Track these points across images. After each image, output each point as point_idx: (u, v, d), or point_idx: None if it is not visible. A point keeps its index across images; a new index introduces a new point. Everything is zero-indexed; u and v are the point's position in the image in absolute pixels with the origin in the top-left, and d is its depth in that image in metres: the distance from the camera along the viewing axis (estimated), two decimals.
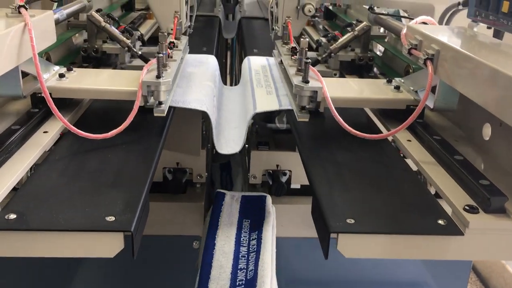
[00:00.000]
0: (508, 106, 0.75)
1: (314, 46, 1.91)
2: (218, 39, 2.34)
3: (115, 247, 0.76)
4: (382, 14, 1.62)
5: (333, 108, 1.04)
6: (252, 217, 1.45)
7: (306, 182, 1.00)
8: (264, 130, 1.73)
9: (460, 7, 1.28)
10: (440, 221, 0.78)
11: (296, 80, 1.12)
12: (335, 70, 1.59)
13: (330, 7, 2.32)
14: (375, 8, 1.68)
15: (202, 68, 1.53)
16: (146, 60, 1.65)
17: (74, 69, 1.20)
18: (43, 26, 1.04)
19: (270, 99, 1.27)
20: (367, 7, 1.68)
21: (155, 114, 1.08)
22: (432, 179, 0.89)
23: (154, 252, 1.68)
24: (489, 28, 1.10)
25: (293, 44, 1.48)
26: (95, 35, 1.51)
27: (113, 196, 0.81)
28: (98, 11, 1.52)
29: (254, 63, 1.69)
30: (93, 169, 0.89)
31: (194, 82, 1.35)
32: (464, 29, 1.13)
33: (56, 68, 1.19)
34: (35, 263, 1.54)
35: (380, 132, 1.17)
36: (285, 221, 1.74)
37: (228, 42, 3.28)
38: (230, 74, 3.70)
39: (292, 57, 1.34)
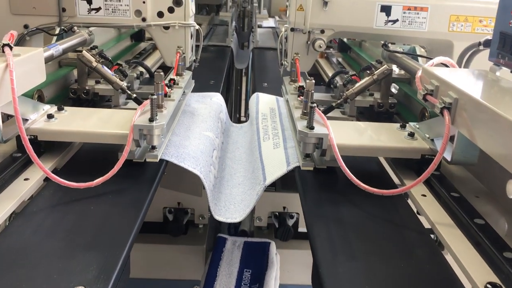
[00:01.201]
0: None
1: (326, 80, 1.83)
2: (229, 71, 2.29)
3: None
4: (397, 52, 1.53)
5: (340, 159, 0.95)
6: (254, 267, 1.35)
7: None
8: None
9: (481, 47, 1.19)
10: None
11: (301, 125, 1.04)
12: (351, 117, 1.41)
13: (345, 40, 2.25)
14: (390, 44, 1.59)
15: (205, 110, 1.44)
16: (140, 103, 1.45)
17: (66, 108, 1.14)
18: (30, 65, 0.97)
19: (277, 157, 1.14)
20: (382, 42, 1.60)
21: (147, 160, 1.01)
22: (449, 246, 0.79)
23: None
24: None
25: (300, 83, 1.43)
26: (87, 74, 1.38)
27: (87, 260, 0.72)
28: (92, 48, 1.42)
29: (262, 103, 1.60)
30: (71, 225, 0.81)
31: (192, 131, 1.24)
32: (485, 73, 1.03)
33: (46, 107, 1.13)
34: None
35: (392, 182, 1.07)
36: (291, 267, 1.63)
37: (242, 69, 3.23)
38: (245, 101, 3.64)
39: (299, 98, 1.28)
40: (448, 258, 0.81)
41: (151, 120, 0.99)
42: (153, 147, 1.01)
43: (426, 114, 1.17)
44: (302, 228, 1.60)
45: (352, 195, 0.97)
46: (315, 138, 1.00)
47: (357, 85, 1.34)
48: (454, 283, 0.72)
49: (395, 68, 1.77)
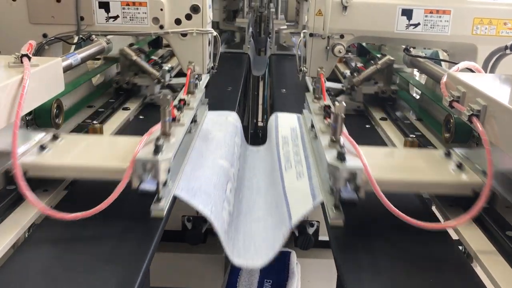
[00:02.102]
0: None
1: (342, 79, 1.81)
2: (246, 77, 2.27)
3: None
4: (420, 56, 1.50)
5: (383, 196, 0.82)
6: (274, 277, 1.32)
7: None
8: None
9: (508, 51, 1.15)
10: None
11: (330, 156, 0.89)
12: (358, 102, 1.62)
13: (364, 44, 2.21)
14: (411, 49, 1.56)
15: (220, 133, 1.31)
16: (174, 90, 1.67)
17: (61, 136, 1.02)
18: (48, 75, 0.97)
19: (302, 189, 1.02)
20: (404, 47, 1.56)
21: (152, 214, 0.86)
22: None
23: None
24: None
25: (326, 102, 1.29)
26: (128, 68, 1.60)
27: (107, 274, 0.71)
28: (130, 45, 1.59)
29: (282, 123, 1.44)
30: (90, 237, 0.80)
31: (206, 159, 1.13)
32: None
33: (39, 136, 1.00)
34: None
35: (434, 216, 0.93)
36: (312, 276, 1.60)
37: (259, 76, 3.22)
38: (263, 105, 3.61)
39: (325, 120, 1.15)
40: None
41: (156, 151, 0.86)
42: (159, 199, 0.87)
43: (451, 120, 1.13)
44: (323, 237, 1.56)
45: (384, 230, 0.87)
46: (347, 173, 0.85)
47: (362, 73, 1.56)
48: None
49: (415, 72, 1.75)
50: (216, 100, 1.60)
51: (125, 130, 1.36)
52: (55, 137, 1.01)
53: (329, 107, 1.21)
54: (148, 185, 0.86)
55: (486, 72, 1.22)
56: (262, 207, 1.10)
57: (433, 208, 0.99)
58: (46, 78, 0.96)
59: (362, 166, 0.84)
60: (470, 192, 0.89)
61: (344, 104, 0.96)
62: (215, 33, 1.52)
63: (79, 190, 0.96)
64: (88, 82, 1.48)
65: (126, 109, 1.47)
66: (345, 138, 0.92)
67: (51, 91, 0.99)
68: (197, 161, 1.09)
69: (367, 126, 1.49)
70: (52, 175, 0.91)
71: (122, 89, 1.60)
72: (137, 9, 1.44)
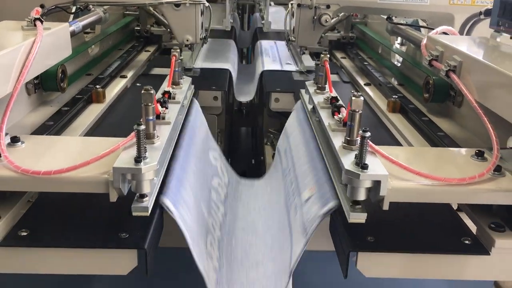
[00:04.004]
0: None
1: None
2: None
3: (128, 264, 0.75)
4: (401, 24, 1.59)
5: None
6: None
7: None
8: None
9: (482, 16, 1.25)
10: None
11: (348, 162, 0.76)
12: (325, 47, 2.07)
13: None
14: (394, 18, 1.65)
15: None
16: None
17: (23, 137, 0.85)
18: (58, 38, 1.03)
19: (298, 223, 0.88)
20: (385, 17, 1.65)
21: (134, 214, 0.74)
22: None
23: (169, 265, 1.66)
24: None
25: (332, 93, 1.14)
26: (146, 20, 2.08)
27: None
28: None
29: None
30: None
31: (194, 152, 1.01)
32: (486, 40, 1.09)
33: None
34: (47, 279, 1.53)
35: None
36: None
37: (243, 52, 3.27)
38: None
39: (335, 115, 0.99)
40: None
41: (137, 160, 0.72)
42: (142, 196, 0.75)
43: (430, 82, 1.23)
44: None
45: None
46: (370, 182, 0.73)
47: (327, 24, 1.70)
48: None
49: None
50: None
51: (125, 96, 1.43)
52: (14, 141, 0.83)
53: (336, 99, 1.08)
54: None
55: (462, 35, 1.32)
56: (261, 249, 0.96)
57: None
58: (56, 42, 1.02)
59: (386, 172, 0.72)
60: (511, 201, 0.77)
61: (362, 98, 0.82)
62: (207, 4, 1.58)
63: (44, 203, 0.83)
64: (85, 52, 1.54)
65: (123, 77, 1.54)
66: (367, 147, 0.75)
67: (60, 54, 1.05)
68: (186, 156, 0.97)
69: (352, 91, 1.59)
70: (12, 188, 0.77)
71: (142, 37, 2.05)
72: None
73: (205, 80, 1.59)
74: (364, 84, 1.59)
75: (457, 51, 0.98)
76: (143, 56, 1.87)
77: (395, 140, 1.18)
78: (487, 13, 1.23)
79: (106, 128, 1.17)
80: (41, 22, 0.99)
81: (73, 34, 1.28)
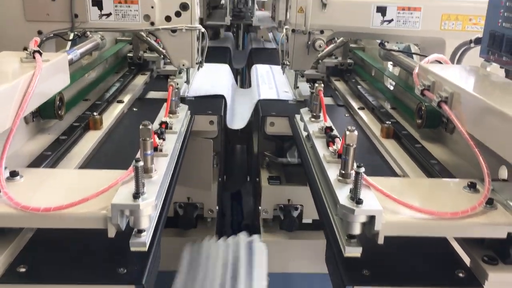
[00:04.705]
0: None
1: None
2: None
3: None
4: (393, 50, 1.62)
5: None
6: None
7: (318, 217, 0.95)
8: (275, 164, 1.73)
9: (472, 45, 1.28)
10: None
11: (342, 197, 0.78)
12: (322, 73, 2.06)
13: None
14: (386, 43, 1.68)
15: None
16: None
17: (23, 171, 0.86)
18: (57, 69, 1.05)
19: None
20: (379, 42, 1.68)
21: (132, 249, 0.76)
22: None
23: None
24: (502, 67, 1.10)
25: (327, 123, 1.16)
26: (139, 46, 2.00)
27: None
28: None
29: None
30: None
31: None
32: (477, 69, 1.12)
33: None
34: None
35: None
36: (297, 256, 1.72)
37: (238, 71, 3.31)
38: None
39: (330, 146, 1.03)
40: None
41: (136, 196, 0.74)
42: (140, 231, 0.76)
43: (423, 108, 1.25)
44: (306, 219, 1.68)
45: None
46: (364, 216, 0.75)
47: (325, 50, 1.82)
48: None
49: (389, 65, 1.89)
50: None
51: (122, 122, 1.44)
52: (13, 175, 0.84)
53: (331, 129, 1.11)
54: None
55: (453, 63, 1.35)
56: None
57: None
58: (55, 73, 1.03)
59: (381, 207, 0.74)
60: (504, 235, 0.77)
61: (356, 133, 0.85)
62: (203, 30, 1.61)
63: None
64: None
65: (120, 102, 1.55)
66: (361, 181, 0.77)
67: (58, 85, 1.07)
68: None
69: (346, 115, 1.61)
70: (9, 224, 0.78)
71: (135, 64, 1.99)
72: (129, 6, 1.52)
73: (201, 104, 1.61)
74: (358, 108, 1.61)
75: (448, 82, 1.01)
76: (139, 80, 1.88)
77: (389, 167, 1.20)
78: (477, 41, 1.25)
79: (103, 157, 1.18)
80: (40, 54, 1.01)
81: (71, 62, 1.30)
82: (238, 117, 1.72)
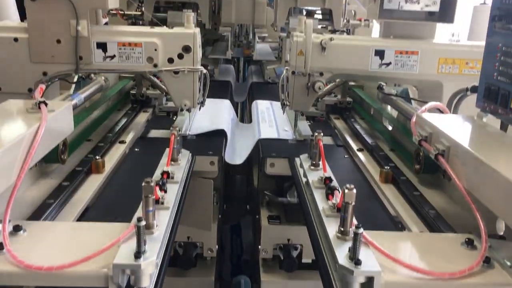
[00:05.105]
0: None
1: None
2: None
3: None
4: (391, 95, 1.65)
5: None
6: None
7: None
8: (275, 203, 1.74)
9: (469, 93, 1.31)
10: None
11: (342, 255, 0.79)
12: (322, 111, 2.11)
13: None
14: (385, 87, 1.71)
15: None
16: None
17: (25, 224, 0.87)
18: (62, 118, 1.07)
19: None
20: (378, 85, 1.71)
21: None
22: None
23: None
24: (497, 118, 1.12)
25: (326, 173, 1.17)
26: (142, 83, 2.05)
27: None
28: None
29: None
30: None
31: None
32: (473, 120, 1.14)
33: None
34: None
35: None
36: None
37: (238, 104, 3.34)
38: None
39: (329, 199, 1.04)
40: None
41: (137, 255, 0.75)
42: None
43: (421, 155, 1.26)
44: (306, 259, 1.68)
45: None
46: (363, 277, 0.76)
47: (324, 89, 1.83)
48: None
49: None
50: None
51: (124, 164, 1.46)
52: (16, 229, 0.85)
53: (330, 179, 1.12)
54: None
55: (450, 109, 1.38)
56: None
57: None
58: (59, 123, 1.05)
59: (379, 268, 0.75)
60: None
61: (355, 191, 0.85)
62: (204, 71, 1.64)
63: None
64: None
65: (122, 142, 1.57)
66: (361, 242, 0.78)
67: (63, 133, 1.08)
68: None
69: (345, 156, 1.63)
70: (11, 283, 0.77)
71: (137, 101, 2.04)
72: (133, 49, 1.55)
73: (202, 144, 1.63)
74: (357, 150, 1.63)
75: (445, 135, 1.03)
76: (142, 117, 1.90)
77: (387, 214, 1.21)
78: (474, 90, 1.28)
79: (105, 204, 1.19)
80: (46, 104, 1.03)
81: (75, 107, 1.32)
82: (238, 153, 1.74)
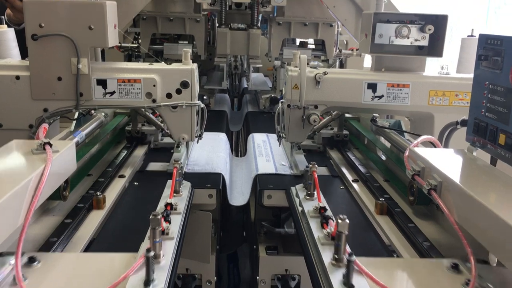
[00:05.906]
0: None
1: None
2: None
3: None
4: (384, 127, 1.70)
5: None
6: None
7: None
8: (273, 234, 1.76)
9: (459, 126, 1.35)
10: None
11: (336, 283, 0.85)
12: (319, 144, 2.10)
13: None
14: (377, 118, 1.76)
15: None
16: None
17: (40, 256, 0.93)
18: (66, 157, 1.10)
19: None
20: (371, 117, 1.76)
21: None
22: None
23: None
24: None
25: (321, 203, 1.23)
26: (137, 119, 2.01)
27: None
28: None
29: None
30: None
31: None
32: (464, 154, 1.18)
33: (14, 260, 0.85)
34: None
35: None
36: None
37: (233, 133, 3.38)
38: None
39: (324, 228, 1.10)
40: None
41: (146, 284, 0.82)
42: None
43: (415, 187, 1.30)
44: None
45: None
46: None
47: (321, 122, 1.84)
48: None
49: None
50: None
51: (123, 198, 1.48)
52: (32, 261, 0.91)
53: (325, 209, 1.18)
54: None
55: (442, 142, 1.42)
56: None
57: None
58: (63, 163, 1.08)
59: None
60: None
61: (348, 221, 0.90)
62: (202, 105, 1.68)
63: None
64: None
65: (121, 176, 1.60)
66: (353, 267, 0.85)
67: (66, 172, 1.11)
68: None
69: (341, 187, 1.67)
70: None
71: (133, 138, 1.99)
72: (132, 85, 1.59)
73: (200, 177, 1.65)
74: (352, 180, 1.67)
75: (437, 170, 1.06)
76: (139, 151, 1.92)
77: (383, 244, 1.24)
78: (463, 123, 1.33)
79: (106, 239, 1.21)
80: (50, 145, 1.06)
81: (77, 145, 1.35)
82: (238, 191, 1.75)
